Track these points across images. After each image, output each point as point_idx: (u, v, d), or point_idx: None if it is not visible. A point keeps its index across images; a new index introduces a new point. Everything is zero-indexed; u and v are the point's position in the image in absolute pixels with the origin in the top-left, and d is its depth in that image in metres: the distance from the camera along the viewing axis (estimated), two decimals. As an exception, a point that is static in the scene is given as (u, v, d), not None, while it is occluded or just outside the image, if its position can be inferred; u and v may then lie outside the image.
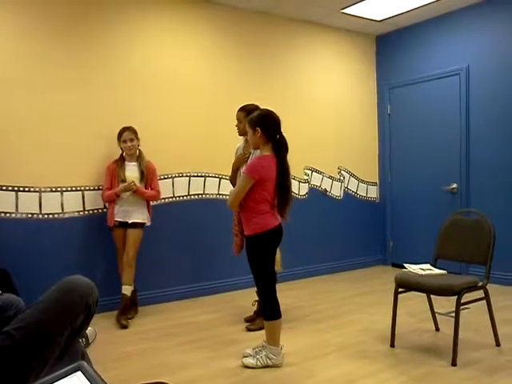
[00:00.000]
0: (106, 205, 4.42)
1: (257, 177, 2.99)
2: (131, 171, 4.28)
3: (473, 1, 5.27)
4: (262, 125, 3.05)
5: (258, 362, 3.08)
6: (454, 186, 5.59)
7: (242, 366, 3.11)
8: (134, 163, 4.32)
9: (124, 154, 4.32)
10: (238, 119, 3.88)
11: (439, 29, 5.72)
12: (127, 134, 4.24)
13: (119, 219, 4.24)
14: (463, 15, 5.47)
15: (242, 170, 3.21)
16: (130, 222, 4.24)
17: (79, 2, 4.36)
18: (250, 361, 3.11)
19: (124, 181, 4.20)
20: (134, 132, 4.28)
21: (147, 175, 4.32)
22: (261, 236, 3.07)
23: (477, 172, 5.40)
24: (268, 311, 3.13)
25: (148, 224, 4.37)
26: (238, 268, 4.73)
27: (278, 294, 3.19)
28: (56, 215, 4.29)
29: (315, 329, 3.86)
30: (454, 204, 5.53)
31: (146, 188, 4.31)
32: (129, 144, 4.22)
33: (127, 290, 4.20)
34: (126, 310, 4.17)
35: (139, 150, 4.36)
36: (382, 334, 3.63)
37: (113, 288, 4.36)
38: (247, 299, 4.25)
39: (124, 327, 3.99)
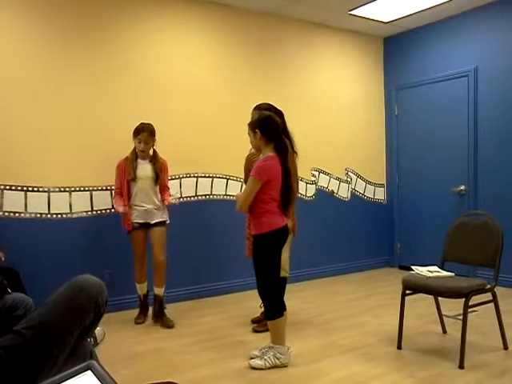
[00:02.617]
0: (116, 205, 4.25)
1: (265, 178, 3.04)
2: (144, 170, 4.08)
3: (480, 2, 5.25)
4: (260, 127, 3.14)
5: (267, 363, 3.09)
6: (462, 187, 5.57)
7: (249, 367, 3.11)
8: (147, 161, 4.12)
9: (137, 150, 4.11)
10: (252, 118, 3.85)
11: (447, 30, 5.70)
12: (143, 136, 4.02)
13: (140, 220, 4.08)
14: (471, 17, 5.45)
15: (251, 173, 3.22)
16: (152, 222, 4.11)
17: (86, 2, 4.39)
18: (257, 362, 3.11)
19: (134, 179, 4.03)
20: (152, 134, 4.07)
21: (161, 174, 4.16)
22: (268, 235, 3.09)
23: (485, 174, 5.37)
24: (270, 310, 3.15)
25: (168, 222, 4.23)
26: (245, 269, 4.71)
27: (285, 296, 3.19)
28: (64, 215, 4.31)
29: (322, 330, 3.85)
30: (461, 206, 5.51)
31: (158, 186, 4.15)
32: (142, 146, 4.03)
33: (160, 291, 4.16)
34: (161, 312, 4.15)
35: (154, 150, 4.17)
36: (389, 336, 3.62)
37: (122, 288, 4.40)
38: (254, 300, 4.25)
39: (170, 327, 4.02)
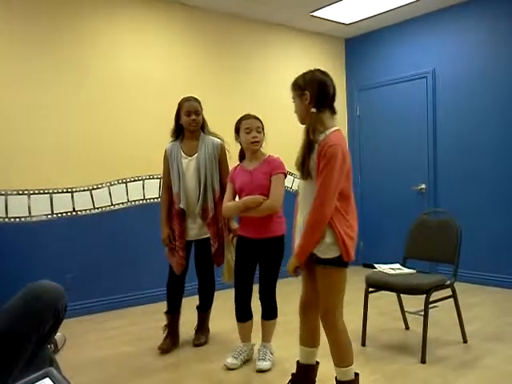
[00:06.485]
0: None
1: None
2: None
3: (437, 6, 5.40)
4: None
5: (271, 362, 3.14)
6: (423, 186, 5.71)
7: (256, 371, 3.06)
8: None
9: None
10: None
11: (406, 33, 5.84)
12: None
13: None
14: (428, 20, 5.59)
15: (276, 171, 3.27)
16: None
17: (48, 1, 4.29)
18: (265, 364, 3.09)
19: None
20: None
21: None
22: (283, 236, 3.23)
23: (444, 172, 5.53)
24: (274, 310, 3.26)
25: None
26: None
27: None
28: (23, 219, 4.19)
29: (286, 329, 3.86)
30: (422, 204, 5.65)
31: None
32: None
33: None
34: None
35: None
36: (353, 334, 3.64)
37: (83, 292, 4.30)
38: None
39: None
